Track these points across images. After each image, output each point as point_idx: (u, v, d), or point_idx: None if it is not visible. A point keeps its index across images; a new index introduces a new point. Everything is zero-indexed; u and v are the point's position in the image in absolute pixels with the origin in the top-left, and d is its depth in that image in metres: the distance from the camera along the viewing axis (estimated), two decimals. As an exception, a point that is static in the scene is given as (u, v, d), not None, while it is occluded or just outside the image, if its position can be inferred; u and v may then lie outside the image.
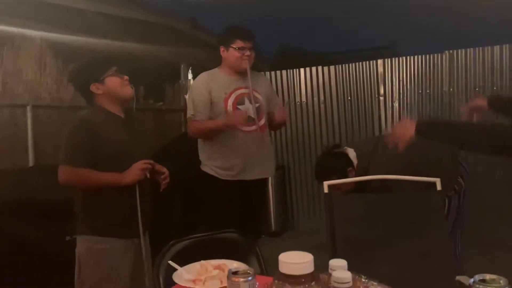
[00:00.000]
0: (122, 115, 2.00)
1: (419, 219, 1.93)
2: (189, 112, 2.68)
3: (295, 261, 0.78)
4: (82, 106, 3.63)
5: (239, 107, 2.64)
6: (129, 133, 1.95)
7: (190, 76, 5.55)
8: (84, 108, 3.55)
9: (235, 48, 2.60)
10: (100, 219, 1.91)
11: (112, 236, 1.90)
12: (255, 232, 2.73)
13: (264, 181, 2.85)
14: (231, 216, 2.57)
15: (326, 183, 1.97)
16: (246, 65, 2.62)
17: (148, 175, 1.91)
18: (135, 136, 1.99)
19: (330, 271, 0.90)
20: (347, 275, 0.83)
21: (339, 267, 0.90)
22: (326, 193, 1.94)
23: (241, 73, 2.66)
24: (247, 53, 2.61)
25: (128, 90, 1.97)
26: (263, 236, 4.60)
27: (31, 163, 3.31)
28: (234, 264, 1.40)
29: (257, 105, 2.67)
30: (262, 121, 2.71)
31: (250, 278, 0.86)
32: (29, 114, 3.32)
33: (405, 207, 1.99)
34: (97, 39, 3.89)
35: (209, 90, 2.62)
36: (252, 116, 2.64)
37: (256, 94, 2.69)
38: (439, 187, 1.90)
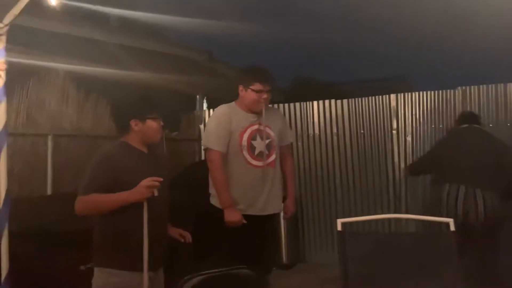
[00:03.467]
0: (146, 151, 2.06)
1: (432, 258, 1.93)
2: (208, 143, 2.71)
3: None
4: (101, 135, 3.80)
5: (252, 142, 2.70)
6: (151, 169, 1.99)
7: (205, 106, 5.66)
8: (103, 138, 3.66)
9: (254, 90, 2.67)
10: (116, 252, 1.94)
11: (128, 269, 1.93)
12: (265, 268, 2.72)
13: (273, 216, 2.85)
14: (239, 250, 2.57)
15: (339, 221, 1.99)
16: (262, 107, 2.69)
17: (156, 193, 1.89)
18: (157, 171, 2.02)
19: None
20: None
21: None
22: (339, 231, 1.97)
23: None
24: (265, 96, 2.68)
25: (158, 135, 2.07)
26: (274, 268, 4.56)
27: (49, 191, 3.39)
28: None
29: (268, 141, 2.73)
30: (273, 157, 2.76)
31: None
32: (50, 143, 3.42)
33: (418, 246, 1.99)
34: (116, 70, 4.02)
35: (230, 121, 2.69)
36: (263, 151, 2.70)
37: (268, 130, 2.75)
38: (452, 228, 1.91)
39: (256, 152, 2.70)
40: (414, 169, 4.02)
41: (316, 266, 4.77)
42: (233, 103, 2.81)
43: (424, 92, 4.63)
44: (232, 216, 2.61)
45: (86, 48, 3.84)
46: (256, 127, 2.72)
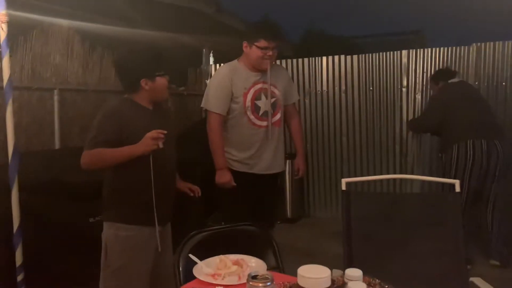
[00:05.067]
0: (151, 107, 2.05)
1: (436, 219, 1.95)
2: (207, 105, 2.68)
3: (314, 276, 0.81)
4: (107, 90, 3.77)
5: (257, 102, 2.66)
6: (157, 125, 1.95)
7: (211, 61, 5.57)
8: (109, 92, 3.62)
9: (259, 47, 2.58)
10: (125, 207, 1.98)
11: (136, 224, 1.97)
12: (268, 223, 2.77)
13: (277, 175, 2.85)
14: (243, 206, 2.62)
15: (344, 180, 1.99)
16: (267, 65, 2.61)
17: (161, 145, 1.88)
18: (163, 126, 2.00)
19: (345, 280, 0.94)
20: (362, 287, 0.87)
21: (354, 277, 0.93)
22: (344, 191, 1.97)
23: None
24: (270, 53, 2.59)
25: (166, 92, 2.05)
26: (279, 222, 4.67)
27: (57, 145, 3.42)
28: (252, 260, 1.46)
29: (273, 100, 2.69)
30: (278, 116, 2.73)
31: (269, 283, 0.91)
32: (56, 98, 3.41)
33: (422, 206, 2.01)
34: (120, 24, 3.92)
35: (231, 84, 2.63)
36: (268, 111, 2.66)
37: (274, 89, 2.69)
38: (457, 189, 1.91)
39: (261, 112, 2.67)
40: (418, 126, 3.94)
41: (320, 221, 4.90)
42: (235, 61, 2.73)
43: (437, 49, 4.49)
44: (222, 178, 2.64)
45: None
46: (260, 86, 2.66)
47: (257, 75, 2.67)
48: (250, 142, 2.67)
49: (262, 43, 2.58)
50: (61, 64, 3.53)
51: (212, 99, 2.66)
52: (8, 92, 2.55)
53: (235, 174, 2.67)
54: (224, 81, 2.65)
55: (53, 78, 3.46)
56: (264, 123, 2.67)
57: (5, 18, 2.38)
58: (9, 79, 2.54)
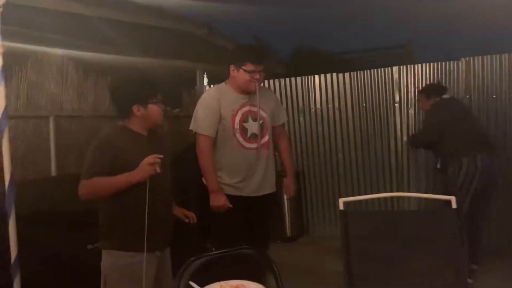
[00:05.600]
0: (145, 134, 2.06)
1: (434, 236, 1.96)
2: (196, 128, 2.67)
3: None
4: (102, 115, 3.80)
5: (244, 124, 2.67)
6: (152, 151, 1.96)
7: (205, 82, 5.61)
8: (104, 117, 3.63)
9: (246, 70, 2.60)
10: (123, 234, 1.98)
11: (134, 251, 1.96)
12: (263, 245, 2.75)
13: (268, 196, 2.82)
14: (235, 230, 2.61)
15: (341, 200, 2.01)
16: (254, 88, 2.63)
17: (158, 170, 1.89)
18: (158, 152, 2.01)
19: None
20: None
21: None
22: (341, 210, 1.98)
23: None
24: (257, 76, 2.62)
25: (160, 119, 2.05)
26: (278, 241, 4.65)
27: (53, 172, 3.42)
28: (251, 286, 1.45)
29: (261, 122, 2.70)
30: (266, 138, 2.74)
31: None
32: (51, 125, 3.43)
33: (420, 224, 2.02)
34: (113, 51, 3.97)
35: (219, 105, 2.64)
36: (256, 133, 2.68)
37: (261, 112, 2.71)
38: (454, 205, 1.93)
39: (249, 134, 2.67)
40: (419, 142, 3.98)
41: (319, 238, 4.87)
42: (223, 84, 2.76)
43: (427, 64, 4.56)
44: (217, 201, 2.62)
45: (81, 26, 3.79)
46: (247, 108, 2.68)
47: (244, 97, 2.69)
48: (239, 164, 2.67)
49: (249, 66, 2.60)
50: (56, 92, 3.56)
51: (201, 121, 2.66)
52: (4, 122, 2.55)
53: (227, 198, 2.65)
54: (212, 103, 2.66)
55: (48, 105, 3.49)
56: (253, 145, 2.68)
57: (0, 49, 2.40)
58: (5, 109, 2.55)
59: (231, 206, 2.63)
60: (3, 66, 2.48)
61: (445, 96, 3.70)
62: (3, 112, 2.54)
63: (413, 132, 4.55)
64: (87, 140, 2.98)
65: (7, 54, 2.49)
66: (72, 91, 3.69)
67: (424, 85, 4.45)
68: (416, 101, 4.58)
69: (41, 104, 3.44)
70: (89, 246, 2.73)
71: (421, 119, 4.55)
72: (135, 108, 1.99)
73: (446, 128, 3.48)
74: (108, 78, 3.84)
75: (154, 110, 2.01)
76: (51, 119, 3.43)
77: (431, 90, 3.81)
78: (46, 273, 2.61)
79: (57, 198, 2.86)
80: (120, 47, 4.12)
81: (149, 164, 1.86)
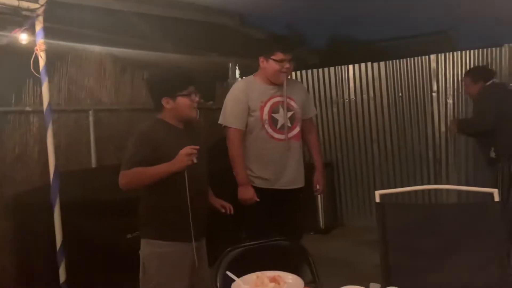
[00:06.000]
0: (182, 126, 2.10)
1: (475, 229, 1.89)
2: (225, 121, 2.68)
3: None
4: (138, 108, 3.89)
5: (274, 115, 2.65)
6: (188, 143, 1.99)
7: (238, 74, 5.63)
8: (140, 111, 3.72)
9: (275, 60, 2.59)
10: (161, 224, 2.03)
11: (173, 240, 2.02)
12: (296, 236, 2.75)
13: (299, 189, 2.80)
14: (266, 223, 2.61)
15: (377, 193, 1.97)
16: (283, 78, 2.61)
17: (195, 161, 1.93)
18: (194, 144, 2.01)
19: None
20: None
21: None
22: (378, 203, 1.95)
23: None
24: (287, 65, 2.60)
25: (193, 113, 2.07)
26: (312, 233, 4.64)
27: (94, 164, 3.55)
28: (289, 276, 1.47)
29: (291, 113, 2.68)
30: (296, 130, 2.71)
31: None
32: (91, 118, 3.55)
33: (460, 217, 1.96)
34: (147, 46, 4.04)
35: (247, 98, 2.64)
36: (285, 124, 2.65)
37: (291, 102, 2.69)
38: (496, 198, 1.86)
39: (279, 125, 2.66)
40: (473, 126, 3.69)
41: (353, 230, 4.83)
42: (251, 76, 2.75)
43: (467, 51, 4.39)
44: (245, 194, 2.63)
45: (118, 22, 3.88)
46: (277, 99, 2.66)
47: (273, 88, 2.67)
48: (269, 156, 2.66)
49: (278, 55, 2.58)
50: (95, 86, 3.67)
51: (229, 114, 2.66)
52: (48, 116, 2.68)
53: (257, 190, 2.66)
54: (240, 95, 2.65)
55: (88, 99, 3.61)
56: (283, 136, 2.66)
57: (43, 47, 2.51)
58: (49, 104, 2.67)
59: (258, 200, 2.63)
60: (46, 63, 2.59)
61: (495, 80, 3.55)
62: (48, 106, 2.67)
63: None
64: (124, 133, 3.09)
65: (49, 51, 2.60)
66: (109, 86, 3.80)
67: (463, 74, 4.29)
68: (455, 91, 4.43)
69: (81, 99, 3.56)
70: (129, 235, 2.83)
71: (460, 110, 4.40)
72: (164, 101, 2.03)
73: (503, 114, 3.33)
74: (144, 72, 3.93)
75: (183, 102, 2.03)
76: (91, 113, 3.55)
77: (479, 74, 3.63)
78: (88, 261, 2.73)
79: (97, 189, 2.97)
80: (154, 42, 4.19)
81: (186, 155, 1.91)
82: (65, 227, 2.69)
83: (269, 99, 2.66)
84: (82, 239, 2.73)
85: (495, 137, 3.41)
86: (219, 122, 2.74)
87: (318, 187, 2.88)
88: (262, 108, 2.64)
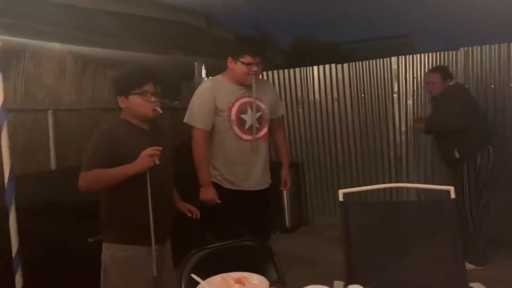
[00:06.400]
0: (147, 127, 2.05)
1: (433, 226, 1.97)
2: (190, 121, 2.64)
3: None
4: (100, 108, 3.79)
5: (242, 116, 2.64)
6: (152, 144, 1.95)
7: (204, 74, 5.60)
8: (102, 110, 3.62)
9: (243, 62, 2.57)
10: (122, 227, 1.99)
11: (134, 244, 1.97)
12: (264, 237, 2.76)
13: (266, 190, 2.81)
14: (234, 223, 2.61)
15: (341, 191, 2.01)
16: (252, 81, 2.60)
17: (157, 162, 1.90)
18: (158, 145, 1.97)
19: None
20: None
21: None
22: (341, 201, 1.99)
23: None
24: (255, 68, 2.59)
25: (148, 112, 2.00)
26: (278, 232, 4.68)
27: (53, 165, 3.42)
28: (254, 277, 1.47)
29: (259, 113, 2.68)
30: (264, 130, 2.72)
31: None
32: (50, 118, 3.42)
33: (419, 214, 2.03)
34: (110, 43, 3.93)
35: (214, 98, 2.61)
36: (253, 125, 2.66)
37: (259, 103, 2.69)
38: (453, 195, 1.94)
39: (247, 126, 2.65)
40: (441, 125, 3.55)
41: (319, 228, 4.91)
42: (219, 76, 2.73)
43: (426, 54, 4.56)
44: (206, 195, 2.62)
45: (79, 18, 3.75)
46: (245, 99, 2.65)
47: (241, 88, 2.66)
48: (236, 157, 2.65)
49: (247, 58, 2.57)
50: (54, 85, 3.54)
51: (195, 114, 2.63)
52: (2, 115, 2.55)
53: (224, 191, 2.65)
54: (207, 95, 2.62)
55: (47, 98, 3.47)
56: (250, 137, 2.65)
57: (-3, 43, 2.39)
58: (3, 103, 2.54)
59: (219, 201, 2.61)
60: (0, 59, 2.47)
61: (458, 81, 3.67)
62: (1, 106, 2.53)
63: (411, 122, 4.54)
64: (86, 133, 3.00)
65: (5, 48, 2.47)
66: (70, 84, 3.68)
67: (422, 76, 4.43)
68: (415, 92, 4.58)
69: (40, 98, 3.42)
70: (90, 239, 2.75)
71: (420, 110, 4.55)
72: (119, 100, 2.00)
73: (467, 115, 3.40)
74: (106, 71, 3.83)
75: (135, 101, 1.98)
76: (50, 112, 3.42)
77: (447, 72, 3.66)
78: (47, 266, 2.62)
79: (57, 191, 2.87)
80: (117, 39, 4.09)
81: (148, 156, 1.87)
82: (22, 232, 2.58)
83: (237, 100, 2.64)
84: (40, 244, 2.63)
85: (459, 137, 3.42)
86: (185, 121, 2.70)
87: (287, 183, 2.90)
88: (230, 109, 2.62)
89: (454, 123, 3.41)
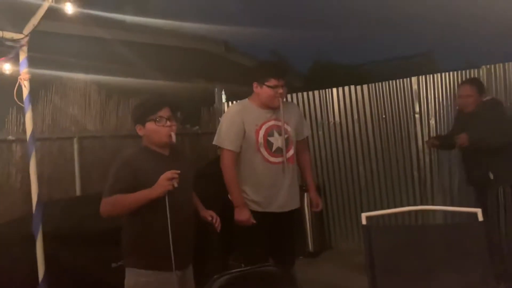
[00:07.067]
0: (167, 153, 2.09)
1: (461, 250, 1.91)
2: (220, 143, 2.69)
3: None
4: (123, 135, 3.88)
5: (269, 138, 2.68)
6: (172, 168, 1.97)
7: (224, 99, 5.68)
8: (125, 137, 3.70)
9: (269, 86, 2.64)
10: (143, 252, 2.01)
11: (155, 269, 1.99)
12: (289, 262, 2.73)
13: (293, 212, 2.82)
14: (262, 246, 2.61)
15: (364, 215, 1.99)
16: (279, 103, 2.66)
17: (175, 185, 1.92)
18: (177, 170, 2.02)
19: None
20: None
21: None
22: (364, 225, 1.96)
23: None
24: (280, 91, 2.65)
25: (161, 136, 2.04)
26: (301, 257, 4.60)
27: (78, 192, 3.50)
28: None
29: (285, 136, 2.71)
30: (291, 152, 2.75)
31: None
32: (75, 146, 3.52)
33: (446, 238, 1.97)
34: (133, 73, 4.06)
35: (242, 121, 2.67)
36: (281, 147, 2.68)
37: (286, 126, 2.73)
38: (480, 218, 1.88)
39: (274, 148, 2.69)
40: (478, 143, 3.17)
41: (342, 253, 4.79)
42: (246, 100, 2.79)
43: (447, 73, 4.50)
44: (241, 215, 2.63)
45: (103, 50, 3.90)
46: (272, 123, 2.70)
47: (268, 112, 2.71)
48: (264, 179, 2.67)
49: (272, 82, 2.63)
50: (80, 114, 3.67)
51: (225, 136, 2.68)
52: (31, 145, 2.64)
53: (252, 214, 2.66)
54: (236, 118, 2.69)
55: (72, 127, 3.59)
56: (278, 159, 2.69)
57: (27, 76, 2.50)
58: (32, 133, 2.64)
59: (254, 222, 2.62)
60: (30, 91, 2.58)
61: (494, 96, 3.47)
62: (31, 135, 2.63)
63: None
64: (109, 160, 3.06)
65: (33, 79, 2.59)
66: (94, 113, 3.80)
67: (443, 94, 4.37)
68: (437, 112, 4.51)
69: (66, 126, 3.54)
70: (114, 265, 2.77)
71: (442, 130, 4.47)
72: (137, 128, 2.06)
73: (510, 132, 3.13)
74: (130, 99, 3.94)
75: (151, 128, 2.03)
76: (75, 140, 3.53)
77: (482, 86, 3.41)
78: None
79: (82, 217, 2.91)
80: (139, 69, 4.22)
81: (167, 179, 1.91)
82: (48, 258, 2.62)
83: (264, 123, 2.69)
84: (65, 270, 2.66)
85: (493, 158, 3.15)
86: (214, 143, 2.76)
87: (318, 204, 2.91)
88: (257, 132, 2.67)
89: (494, 141, 3.10)
